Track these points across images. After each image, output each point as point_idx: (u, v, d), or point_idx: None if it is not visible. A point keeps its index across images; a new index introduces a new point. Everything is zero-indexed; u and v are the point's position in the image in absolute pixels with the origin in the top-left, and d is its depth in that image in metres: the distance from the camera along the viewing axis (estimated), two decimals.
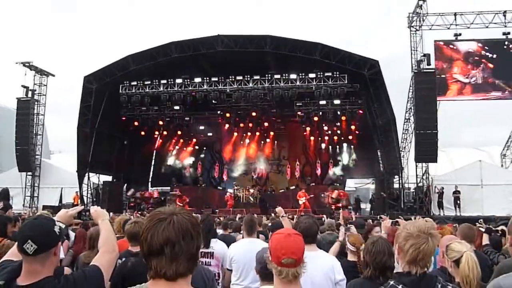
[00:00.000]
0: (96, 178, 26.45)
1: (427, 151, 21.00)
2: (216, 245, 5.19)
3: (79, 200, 24.16)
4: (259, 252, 3.25)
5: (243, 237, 5.63)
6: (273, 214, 13.26)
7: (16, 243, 2.31)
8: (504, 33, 21.63)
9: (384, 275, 3.06)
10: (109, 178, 27.64)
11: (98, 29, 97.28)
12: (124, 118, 26.47)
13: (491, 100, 23.63)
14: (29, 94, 25.59)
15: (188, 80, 23.38)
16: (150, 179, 31.73)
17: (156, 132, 28.67)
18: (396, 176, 23.74)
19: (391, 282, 2.33)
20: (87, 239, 4.87)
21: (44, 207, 19.77)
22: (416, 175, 22.29)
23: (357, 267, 4.37)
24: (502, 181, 21.41)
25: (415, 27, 22.13)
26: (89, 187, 25.74)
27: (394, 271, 2.98)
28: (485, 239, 5.47)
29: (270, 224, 8.07)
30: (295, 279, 2.26)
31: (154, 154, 31.45)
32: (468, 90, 22.94)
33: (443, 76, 22.56)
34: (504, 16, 21.55)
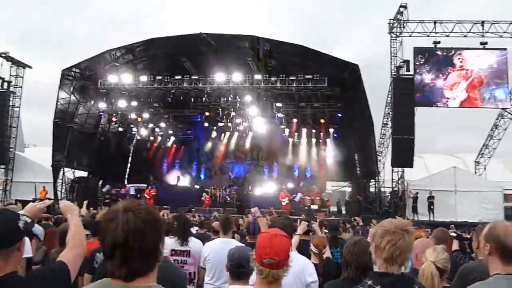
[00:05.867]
0: (71, 173, 25.99)
1: (404, 156, 21.23)
2: (192, 243, 5.12)
3: (46, 195, 23.69)
4: (232, 249, 3.22)
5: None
6: (249, 215, 13.22)
7: None
8: (481, 43, 21.95)
9: (365, 275, 3.01)
10: (84, 173, 27.23)
11: (78, 22, 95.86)
12: (101, 113, 26.18)
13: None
14: (5, 86, 25.06)
15: (168, 78, 23.08)
16: (126, 176, 31.32)
17: (134, 129, 28.41)
18: (372, 180, 23.99)
19: (369, 282, 2.29)
20: (58, 235, 4.77)
21: (17, 202, 19.32)
22: (392, 179, 22.55)
23: (318, 269, 4.36)
24: (476, 188, 21.80)
25: (395, 33, 22.36)
26: (63, 182, 25.26)
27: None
28: (455, 245, 5.61)
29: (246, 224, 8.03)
30: (276, 282, 2.23)
31: (132, 150, 31.10)
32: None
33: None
34: (482, 26, 21.85)
